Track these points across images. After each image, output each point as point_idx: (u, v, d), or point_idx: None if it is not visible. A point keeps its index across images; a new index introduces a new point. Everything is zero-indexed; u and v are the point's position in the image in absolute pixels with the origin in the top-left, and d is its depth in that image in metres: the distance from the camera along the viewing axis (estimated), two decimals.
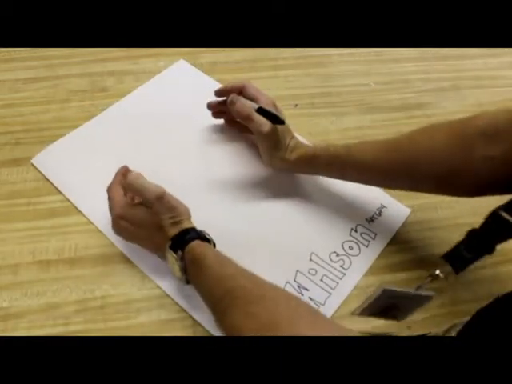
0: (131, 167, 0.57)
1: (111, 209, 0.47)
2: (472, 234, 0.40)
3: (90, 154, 0.58)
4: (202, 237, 0.45)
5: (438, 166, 0.43)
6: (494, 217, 0.39)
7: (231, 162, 0.58)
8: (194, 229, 0.45)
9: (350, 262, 0.50)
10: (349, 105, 0.66)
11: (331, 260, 0.50)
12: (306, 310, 0.36)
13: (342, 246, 0.51)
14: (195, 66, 0.69)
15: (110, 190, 0.48)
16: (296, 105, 0.65)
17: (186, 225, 0.45)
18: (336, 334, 0.32)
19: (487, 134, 0.40)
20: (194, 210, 0.50)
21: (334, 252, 0.51)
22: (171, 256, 0.43)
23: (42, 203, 0.53)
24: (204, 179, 0.56)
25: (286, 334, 0.32)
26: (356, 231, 0.53)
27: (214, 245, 0.46)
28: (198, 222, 0.46)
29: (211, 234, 0.46)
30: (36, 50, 0.69)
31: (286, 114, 0.63)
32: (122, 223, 0.46)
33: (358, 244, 0.52)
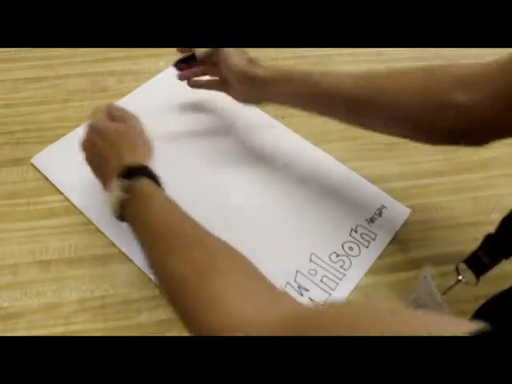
0: None
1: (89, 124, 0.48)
2: (488, 239, 0.40)
3: None
4: (157, 181, 0.43)
5: (409, 107, 0.43)
6: (507, 220, 0.39)
7: (231, 161, 0.58)
8: (151, 169, 0.44)
9: (350, 263, 0.50)
10: None
11: (331, 260, 0.50)
12: (244, 263, 0.37)
13: (342, 246, 0.51)
14: None
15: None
16: None
17: (145, 161, 0.44)
18: (265, 288, 0.34)
19: (458, 81, 0.41)
20: (192, 208, 0.50)
21: (334, 252, 0.51)
22: (116, 184, 0.42)
23: (42, 203, 0.53)
24: (204, 178, 0.56)
25: (219, 283, 0.33)
26: (356, 232, 0.53)
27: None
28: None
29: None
30: (36, 50, 0.69)
31: (286, 113, 0.64)
32: (92, 135, 0.47)
33: (357, 244, 0.52)
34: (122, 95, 0.64)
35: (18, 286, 0.47)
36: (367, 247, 0.52)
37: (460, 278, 0.40)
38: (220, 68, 0.54)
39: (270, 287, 0.35)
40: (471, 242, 0.52)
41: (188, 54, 0.58)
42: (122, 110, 0.50)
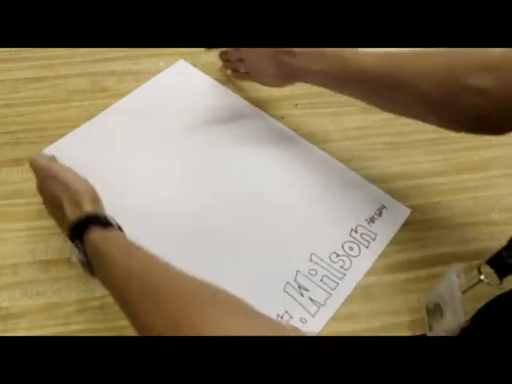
0: (131, 167, 0.57)
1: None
2: None
3: (90, 153, 0.58)
4: (105, 222, 0.40)
5: (432, 88, 0.43)
6: None
7: (231, 161, 0.58)
8: (95, 214, 0.41)
9: (350, 263, 0.50)
10: (349, 105, 0.66)
11: (331, 260, 0.50)
12: (221, 305, 0.32)
13: (342, 246, 0.51)
14: (195, 65, 0.69)
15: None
16: (296, 105, 0.65)
17: (86, 207, 0.41)
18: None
19: (479, 65, 0.41)
20: (192, 209, 0.50)
21: (334, 252, 0.51)
22: (73, 246, 0.40)
23: (42, 203, 0.53)
24: (203, 178, 0.56)
25: (189, 335, 0.29)
26: (356, 232, 0.53)
27: (120, 228, 0.42)
28: (198, 222, 0.46)
29: (210, 234, 0.46)
30: (36, 50, 0.69)
31: (286, 113, 0.64)
32: (46, 186, 0.45)
33: (358, 245, 0.52)
34: (122, 95, 0.64)
35: (18, 286, 0.47)
36: (367, 247, 0.52)
37: (482, 277, 0.39)
38: (256, 48, 0.57)
39: (273, 326, 0.31)
40: (471, 242, 0.53)
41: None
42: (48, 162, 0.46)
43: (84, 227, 0.40)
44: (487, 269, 0.38)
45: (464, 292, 0.40)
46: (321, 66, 0.51)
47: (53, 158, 0.49)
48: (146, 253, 0.37)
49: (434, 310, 0.43)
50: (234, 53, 0.63)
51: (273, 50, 0.54)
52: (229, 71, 0.66)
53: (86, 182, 0.45)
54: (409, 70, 0.45)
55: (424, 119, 0.47)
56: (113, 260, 0.37)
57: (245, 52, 0.60)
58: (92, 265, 0.40)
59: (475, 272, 0.39)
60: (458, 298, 0.39)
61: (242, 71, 0.64)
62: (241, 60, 0.62)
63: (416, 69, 0.44)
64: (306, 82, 0.55)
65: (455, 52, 0.44)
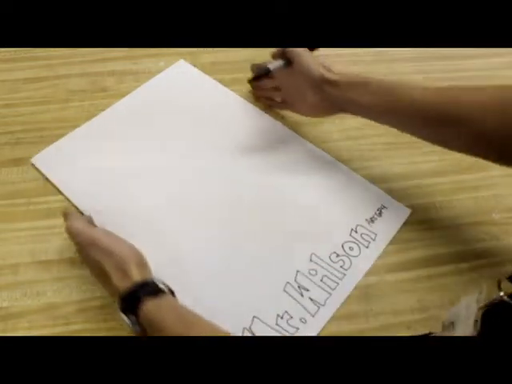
0: (131, 167, 0.57)
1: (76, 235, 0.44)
2: None
3: (90, 153, 0.58)
4: (156, 290, 0.39)
5: (485, 123, 0.42)
6: None
7: (231, 161, 0.58)
8: (145, 282, 0.40)
9: (350, 263, 0.50)
10: None
11: (331, 260, 0.50)
12: None
13: (342, 246, 0.51)
14: (195, 65, 0.69)
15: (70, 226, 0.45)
16: None
17: (134, 276, 0.40)
18: None
19: None
20: (193, 209, 0.50)
21: (334, 252, 0.51)
22: (125, 319, 0.39)
23: (41, 203, 0.53)
24: (204, 178, 0.56)
25: None
26: (356, 232, 0.53)
27: (172, 292, 0.41)
28: (198, 222, 0.46)
29: (210, 234, 0.46)
30: (36, 50, 0.69)
31: (286, 113, 0.64)
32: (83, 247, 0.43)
33: (358, 245, 0.52)
34: (122, 95, 0.64)
35: (18, 285, 0.47)
36: (367, 247, 0.52)
37: (502, 294, 0.37)
38: (295, 76, 0.55)
39: None
40: (471, 242, 0.53)
41: (260, 71, 0.60)
42: (76, 227, 0.45)
43: (136, 300, 0.38)
44: (508, 285, 0.36)
45: (480, 308, 0.38)
46: (367, 97, 0.50)
47: (90, 221, 0.48)
48: (202, 320, 0.37)
49: (448, 326, 0.42)
50: (269, 81, 0.60)
51: (315, 80, 0.53)
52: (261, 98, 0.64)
53: (130, 246, 0.43)
54: (463, 104, 0.44)
55: (485, 156, 0.46)
56: (170, 330, 0.36)
57: (281, 81, 0.58)
58: (146, 331, 0.39)
59: (494, 288, 0.36)
60: (473, 314, 0.38)
61: (278, 100, 0.62)
62: (276, 88, 0.60)
63: (470, 104, 0.44)
64: (349, 113, 0.53)
65: (506, 87, 0.43)
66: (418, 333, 0.45)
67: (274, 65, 0.57)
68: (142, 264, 0.42)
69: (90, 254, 0.42)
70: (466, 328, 0.37)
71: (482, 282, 0.37)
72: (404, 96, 0.48)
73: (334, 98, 0.52)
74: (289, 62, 0.56)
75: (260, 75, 0.60)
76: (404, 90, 0.48)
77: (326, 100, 0.53)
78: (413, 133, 0.50)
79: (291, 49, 0.55)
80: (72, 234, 0.45)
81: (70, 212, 0.48)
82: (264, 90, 0.63)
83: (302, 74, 0.54)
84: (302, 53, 0.54)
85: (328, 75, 0.52)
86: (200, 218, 0.52)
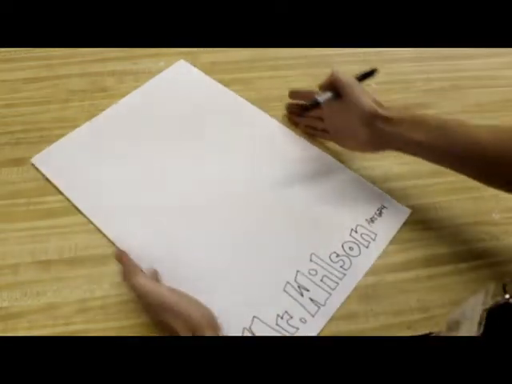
0: (131, 167, 0.57)
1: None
2: None
3: (90, 153, 0.58)
4: None
5: None
6: None
7: (231, 161, 0.58)
8: None
9: (350, 263, 0.50)
10: None
11: (331, 260, 0.50)
12: None
13: (342, 246, 0.51)
14: (195, 65, 0.69)
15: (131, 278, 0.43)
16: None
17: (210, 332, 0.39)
18: None
19: None
20: (193, 209, 0.50)
21: (334, 252, 0.51)
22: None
23: (41, 203, 0.53)
24: (204, 178, 0.56)
25: None
26: (356, 232, 0.53)
27: None
28: (198, 222, 0.46)
29: (210, 234, 0.46)
30: (36, 50, 0.69)
31: (285, 113, 0.64)
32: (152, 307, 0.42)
33: (357, 244, 0.52)
34: (122, 95, 0.64)
35: (18, 285, 0.47)
36: (367, 247, 0.52)
37: (507, 296, 0.37)
38: (344, 110, 0.52)
39: None
40: (471, 242, 0.53)
41: (302, 101, 0.59)
42: (144, 287, 0.42)
43: None
44: None
45: (486, 310, 0.38)
46: (423, 136, 0.48)
47: (154, 276, 0.46)
48: None
49: (452, 327, 0.42)
50: (314, 110, 0.55)
51: (366, 116, 0.50)
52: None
53: (199, 306, 0.42)
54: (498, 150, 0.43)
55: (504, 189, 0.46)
56: None
57: (328, 112, 0.56)
58: None
59: (499, 290, 0.36)
60: (478, 315, 0.38)
61: (319, 128, 0.60)
62: (319, 118, 0.58)
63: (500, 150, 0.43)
64: (400, 151, 0.51)
65: None
66: (418, 333, 0.45)
67: (323, 97, 0.53)
68: (214, 326, 0.41)
69: (160, 316, 0.41)
70: (470, 328, 0.37)
71: (488, 282, 0.36)
72: (466, 137, 0.46)
73: (387, 134, 0.50)
74: (338, 94, 0.53)
75: (308, 107, 0.55)
76: (467, 131, 0.46)
77: (377, 137, 0.51)
78: (470, 175, 0.49)
79: (340, 78, 0.52)
80: (139, 294, 0.43)
81: (131, 264, 0.45)
82: (306, 118, 0.60)
83: (352, 108, 0.51)
84: (352, 84, 0.52)
85: (381, 111, 0.50)
86: (200, 218, 0.52)
